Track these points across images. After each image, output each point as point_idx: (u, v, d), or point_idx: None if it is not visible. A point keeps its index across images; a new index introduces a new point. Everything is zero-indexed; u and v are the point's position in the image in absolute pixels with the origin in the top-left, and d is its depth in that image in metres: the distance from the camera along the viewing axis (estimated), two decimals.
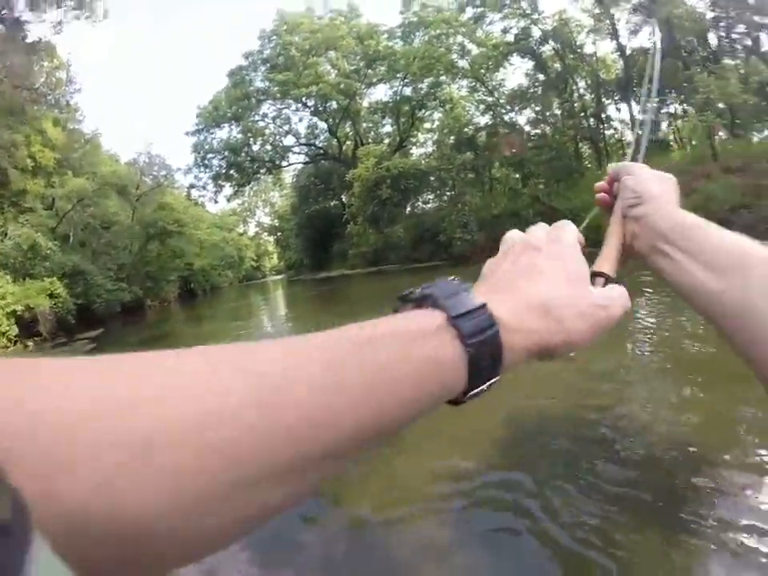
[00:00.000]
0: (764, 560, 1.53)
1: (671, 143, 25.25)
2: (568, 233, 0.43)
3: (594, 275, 0.48)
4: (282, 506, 0.25)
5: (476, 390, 0.32)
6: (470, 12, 26.74)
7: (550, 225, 0.44)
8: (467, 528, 1.95)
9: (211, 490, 0.22)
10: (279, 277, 48.31)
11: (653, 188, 0.55)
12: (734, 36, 25.16)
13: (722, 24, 24.48)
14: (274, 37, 30.04)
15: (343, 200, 28.57)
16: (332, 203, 32.91)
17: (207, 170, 32.73)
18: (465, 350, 0.31)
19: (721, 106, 20.18)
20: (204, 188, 33.34)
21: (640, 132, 0.69)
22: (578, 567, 1.66)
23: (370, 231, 25.97)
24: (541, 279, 0.38)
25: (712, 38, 24.82)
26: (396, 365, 0.28)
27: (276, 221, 48.56)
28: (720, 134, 21.18)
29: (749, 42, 25.23)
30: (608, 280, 0.49)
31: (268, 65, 30.00)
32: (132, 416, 0.20)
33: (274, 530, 2.07)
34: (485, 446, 2.58)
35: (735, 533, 1.65)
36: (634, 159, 0.65)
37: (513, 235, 0.45)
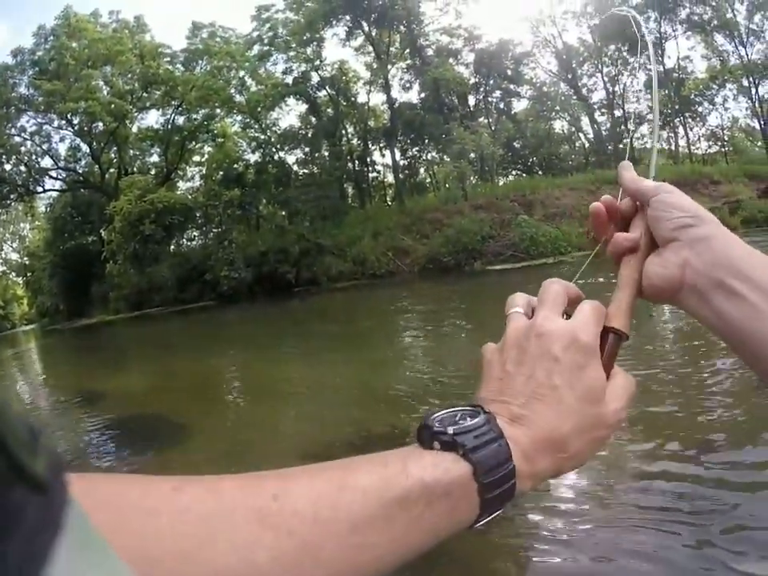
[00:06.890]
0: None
1: (427, 185, 27.41)
2: (589, 329, 0.38)
3: (606, 331, 0.41)
4: None
5: (482, 521, 0.35)
6: (256, 49, 26.40)
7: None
8: None
9: None
10: (31, 327, 40.30)
11: (700, 207, 0.42)
12: (490, 99, 28.14)
13: (481, 89, 27.24)
14: (52, 37, 25.88)
15: (103, 236, 24.95)
16: (90, 239, 28.57)
17: None
18: (482, 501, 0.33)
19: (473, 155, 21.70)
20: None
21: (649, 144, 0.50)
22: None
23: (131, 271, 23.05)
24: (557, 406, 0.36)
25: (471, 99, 27.46)
26: (419, 523, 0.31)
27: (26, 258, 40.85)
28: (471, 178, 22.97)
29: (502, 105, 28.37)
30: (620, 337, 0.42)
31: (37, 69, 25.48)
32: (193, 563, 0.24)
33: None
34: None
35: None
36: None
37: (517, 300, 0.41)
